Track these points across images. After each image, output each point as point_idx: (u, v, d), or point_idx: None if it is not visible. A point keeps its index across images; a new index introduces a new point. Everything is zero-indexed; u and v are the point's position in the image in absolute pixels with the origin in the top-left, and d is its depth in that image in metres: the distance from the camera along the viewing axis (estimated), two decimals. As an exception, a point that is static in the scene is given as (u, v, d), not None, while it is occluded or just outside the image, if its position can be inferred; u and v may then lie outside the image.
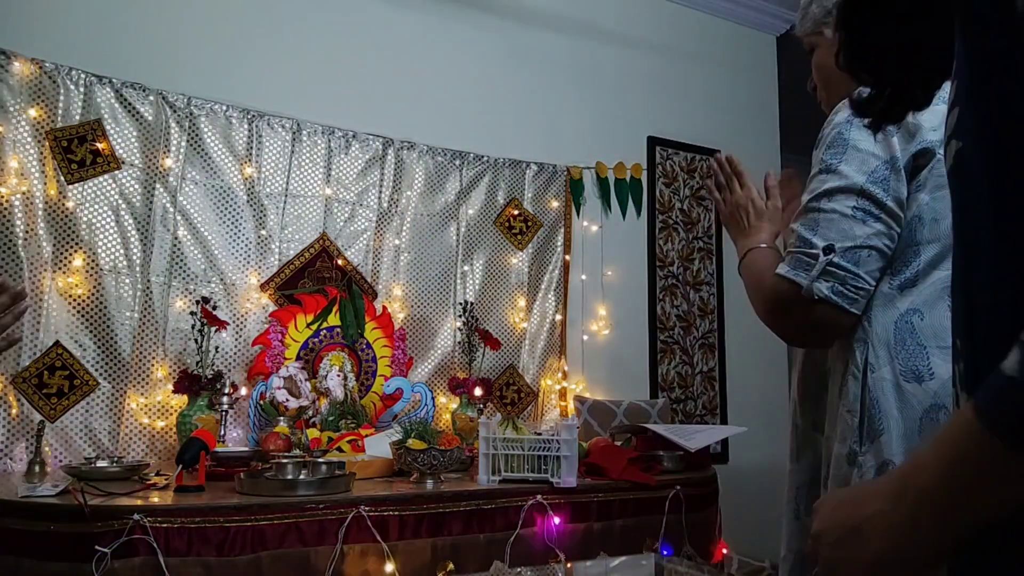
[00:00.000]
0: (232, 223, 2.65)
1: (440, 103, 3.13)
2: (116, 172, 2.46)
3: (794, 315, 1.08)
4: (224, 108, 2.67)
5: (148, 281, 2.48)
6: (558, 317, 3.25)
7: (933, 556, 0.48)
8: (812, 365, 1.20)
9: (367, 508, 1.76)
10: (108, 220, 2.44)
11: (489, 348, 2.92)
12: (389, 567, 1.74)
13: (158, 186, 2.53)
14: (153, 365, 2.46)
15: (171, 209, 2.55)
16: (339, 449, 2.27)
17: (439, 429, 2.45)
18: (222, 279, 2.61)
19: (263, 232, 2.70)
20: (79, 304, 2.36)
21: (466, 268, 3.08)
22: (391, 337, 2.79)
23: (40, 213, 2.32)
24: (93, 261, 2.39)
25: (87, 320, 2.37)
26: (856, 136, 1.05)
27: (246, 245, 2.67)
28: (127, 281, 2.45)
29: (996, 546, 0.48)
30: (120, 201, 2.46)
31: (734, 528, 2.76)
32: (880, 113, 0.72)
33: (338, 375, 2.50)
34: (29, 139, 2.33)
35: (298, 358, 2.58)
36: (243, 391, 2.48)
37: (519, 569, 1.87)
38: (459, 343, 2.97)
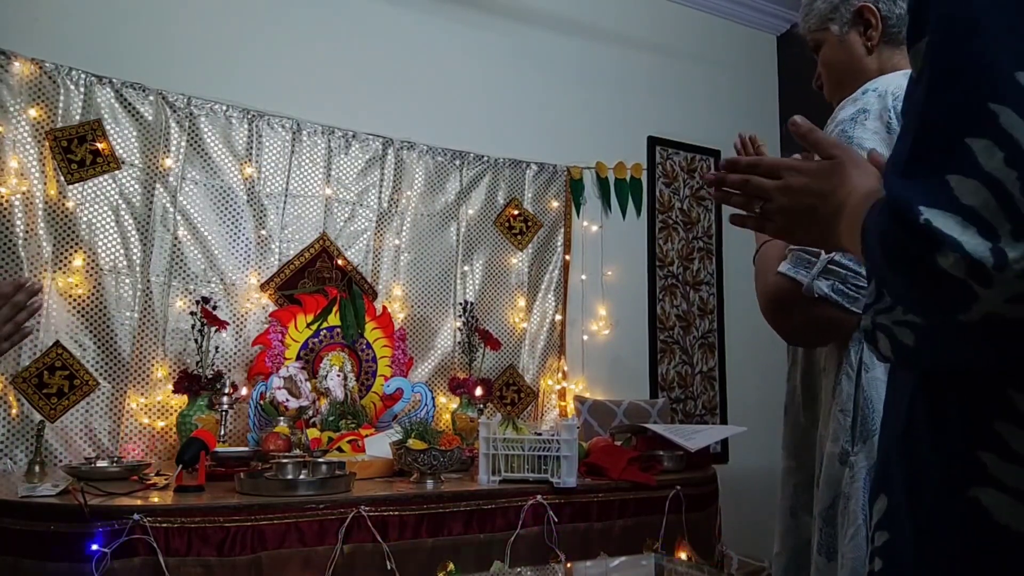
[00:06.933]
0: (232, 223, 2.65)
1: (440, 103, 3.13)
2: (116, 172, 2.46)
3: (794, 314, 1.06)
4: (224, 108, 2.67)
5: (148, 281, 2.48)
6: (558, 317, 3.25)
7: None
8: (815, 363, 1.19)
9: (367, 508, 1.76)
10: (108, 220, 2.44)
11: (489, 348, 2.92)
12: (389, 567, 1.74)
13: (158, 186, 2.53)
14: (153, 365, 2.46)
15: (171, 209, 2.55)
16: (339, 449, 2.27)
17: (439, 429, 2.44)
18: (222, 279, 2.61)
19: (263, 232, 2.70)
20: (79, 304, 2.36)
21: (466, 268, 3.08)
22: (391, 337, 2.79)
23: (40, 213, 2.32)
24: (93, 261, 2.39)
25: (87, 320, 2.37)
26: (860, 135, 1.04)
27: (246, 245, 2.67)
28: (127, 281, 2.45)
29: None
30: (120, 201, 2.46)
31: (734, 528, 2.76)
32: None
33: (338, 375, 2.50)
34: (29, 139, 2.33)
35: (298, 358, 2.58)
36: (243, 391, 2.48)
37: (519, 569, 1.87)
38: (459, 343, 2.97)
